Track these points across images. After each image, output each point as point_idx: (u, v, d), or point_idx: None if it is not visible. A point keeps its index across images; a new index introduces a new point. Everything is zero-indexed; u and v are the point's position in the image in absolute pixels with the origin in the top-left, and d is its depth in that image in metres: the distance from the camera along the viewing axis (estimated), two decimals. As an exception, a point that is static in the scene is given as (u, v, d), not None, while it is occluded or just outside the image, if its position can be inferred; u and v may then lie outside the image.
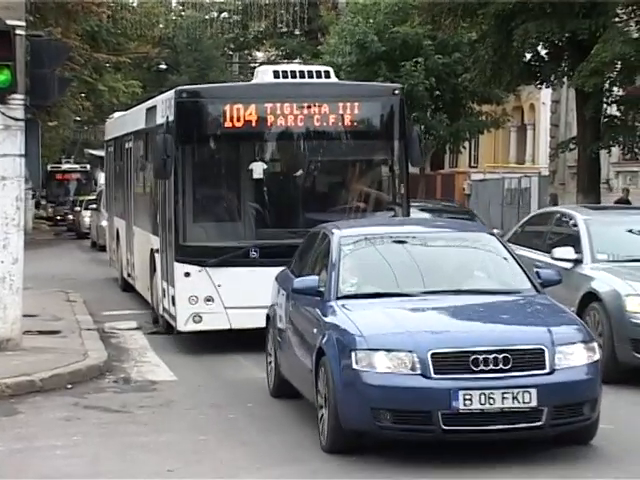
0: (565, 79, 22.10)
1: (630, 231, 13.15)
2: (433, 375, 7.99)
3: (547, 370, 8.11)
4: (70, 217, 46.27)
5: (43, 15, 32.67)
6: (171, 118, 13.48)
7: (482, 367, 8.00)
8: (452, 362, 8.04)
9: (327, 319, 8.84)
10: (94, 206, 34.31)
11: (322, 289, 9.20)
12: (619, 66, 18.74)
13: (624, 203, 22.60)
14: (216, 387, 11.43)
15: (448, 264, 9.69)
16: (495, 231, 11.54)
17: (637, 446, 8.84)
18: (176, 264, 13.33)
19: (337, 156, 14.22)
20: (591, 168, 21.03)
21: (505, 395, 7.95)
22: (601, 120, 20.55)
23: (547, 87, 24.25)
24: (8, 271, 12.45)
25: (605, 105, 20.58)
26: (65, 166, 57.41)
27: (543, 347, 8.16)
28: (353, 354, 8.16)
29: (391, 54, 27.18)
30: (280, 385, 10.45)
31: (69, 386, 11.36)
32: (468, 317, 8.89)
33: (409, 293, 9.09)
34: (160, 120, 14.31)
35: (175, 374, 12.20)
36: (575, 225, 13.15)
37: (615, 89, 20.26)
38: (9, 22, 12.09)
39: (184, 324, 13.28)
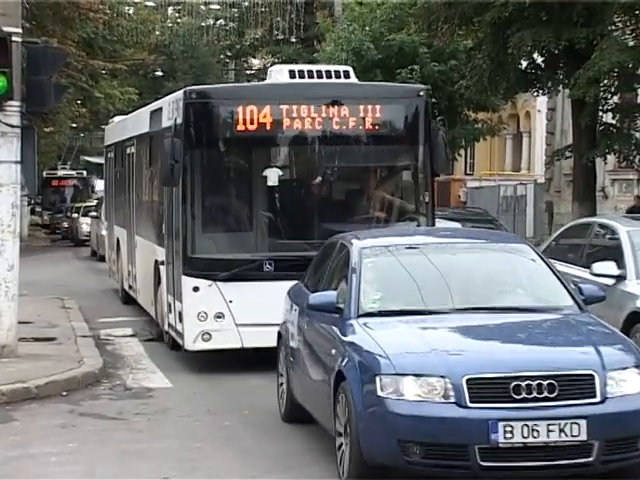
0: (561, 87, 22.14)
1: None
2: (469, 404, 7.17)
3: (598, 399, 7.25)
4: (65, 224, 46.03)
5: (40, 22, 32.69)
6: (179, 121, 12.63)
7: (525, 395, 7.17)
8: (490, 389, 7.21)
9: (347, 339, 8.03)
10: (94, 213, 33.05)
11: (341, 305, 8.38)
12: (616, 74, 18.76)
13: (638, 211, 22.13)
14: (212, 394, 11.42)
15: (481, 278, 8.78)
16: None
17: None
18: (184, 278, 12.46)
19: (357, 162, 13.36)
20: (587, 176, 21.04)
21: (551, 427, 7.11)
22: (597, 128, 20.57)
23: (543, 95, 24.29)
24: (4, 278, 12.44)
25: (601, 113, 20.61)
26: (61, 172, 56.52)
27: (593, 372, 7.31)
28: (378, 379, 7.35)
29: (387, 62, 27.18)
30: (292, 409, 9.62)
31: (64, 393, 11.34)
32: (506, 338, 8.02)
33: (438, 310, 8.23)
34: (166, 123, 13.60)
35: (170, 381, 12.19)
36: (616, 237, 12.14)
37: (611, 97, 20.28)
38: (5, 29, 12.08)
39: (192, 342, 12.40)
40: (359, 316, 8.21)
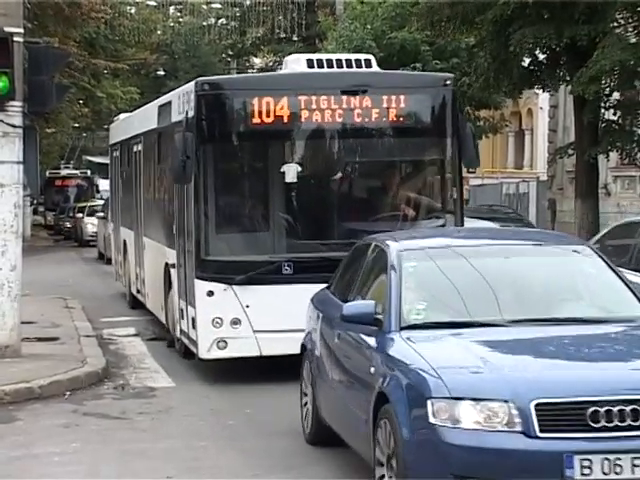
0: (563, 84, 22.11)
1: None
2: (539, 433, 6.15)
3: None
4: (67, 224, 45.87)
5: (41, 22, 32.71)
6: (191, 114, 11.85)
7: (604, 423, 6.16)
8: (564, 416, 6.19)
9: (389, 355, 7.07)
10: (101, 214, 31.24)
11: (380, 317, 7.40)
12: (618, 72, 18.74)
13: None
14: (215, 393, 11.42)
15: (538, 285, 7.80)
16: None
17: None
18: (197, 281, 11.68)
19: (380, 156, 12.47)
20: (589, 173, 21.01)
21: (636, 461, 6.11)
22: (599, 125, 20.55)
23: (545, 92, 24.25)
24: (6, 278, 12.44)
25: (603, 110, 20.58)
26: (64, 172, 55.80)
27: None
28: (429, 403, 6.32)
29: (389, 60, 27.13)
30: (319, 431, 8.75)
31: (68, 393, 11.35)
32: (576, 355, 6.92)
33: (492, 322, 7.25)
34: (177, 117, 12.81)
35: (174, 380, 12.19)
36: None
37: (612, 94, 20.26)
38: (7, 29, 12.08)
39: (207, 350, 11.64)
40: (401, 329, 7.23)
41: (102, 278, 24.68)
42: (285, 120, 11.71)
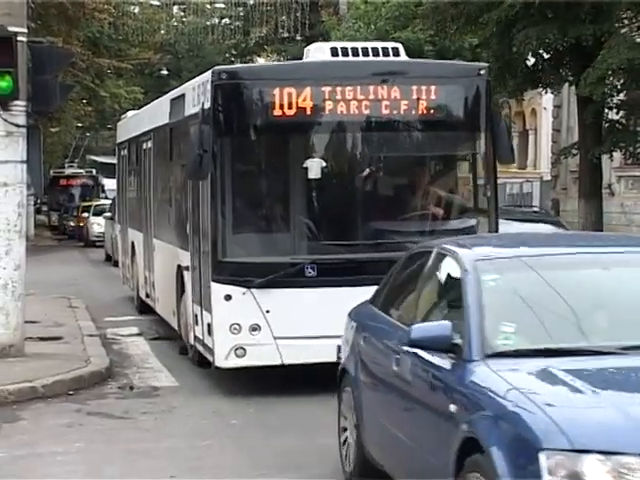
0: (567, 85, 22.10)
1: None
2: None
3: None
4: (71, 223, 45.80)
5: (45, 21, 32.74)
6: (207, 105, 11.08)
7: None
8: None
9: (476, 391, 5.65)
10: (108, 214, 29.95)
11: (459, 342, 6.00)
12: (625, 70, 18.71)
13: None
14: (218, 393, 11.42)
15: None
16: None
17: None
18: (214, 285, 10.94)
19: (409, 151, 11.80)
20: (593, 173, 20.99)
21: None
22: (602, 125, 20.53)
23: (549, 92, 24.24)
24: (10, 277, 12.45)
25: (606, 110, 20.57)
26: (69, 171, 55.22)
27: None
28: (542, 457, 4.88)
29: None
30: (364, 470, 7.53)
31: (71, 392, 11.35)
32: None
33: (600, 349, 5.79)
34: (191, 110, 12.10)
35: (177, 380, 12.19)
36: None
37: (617, 94, 20.25)
38: (11, 29, 12.10)
39: (224, 358, 10.91)
40: (487, 356, 5.82)
41: (111, 281, 23.64)
42: (308, 112, 10.97)
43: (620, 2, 18.42)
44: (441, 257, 6.98)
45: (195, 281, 12.03)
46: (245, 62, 55.44)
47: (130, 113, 20.84)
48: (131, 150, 18.46)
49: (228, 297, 10.81)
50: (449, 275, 6.77)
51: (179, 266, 13.05)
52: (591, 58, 18.64)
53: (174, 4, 50.73)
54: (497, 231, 11.38)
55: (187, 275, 12.49)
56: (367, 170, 11.50)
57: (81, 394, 11.34)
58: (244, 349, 10.85)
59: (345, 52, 11.50)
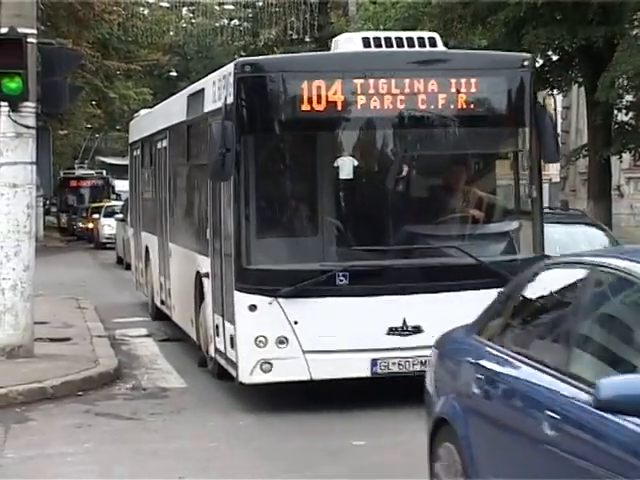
0: (576, 86, 22.08)
1: None
2: None
3: None
4: (80, 224, 45.79)
5: (54, 23, 32.82)
6: (230, 100, 10.28)
7: None
8: None
9: None
10: (120, 216, 28.86)
11: None
12: (638, 76, 18.67)
13: None
14: (226, 394, 11.42)
15: None
16: None
17: None
18: (237, 294, 10.12)
19: (448, 149, 11.00)
20: (602, 174, 20.97)
21: None
22: (612, 126, 20.51)
23: (558, 94, 24.21)
24: (19, 278, 12.47)
25: (615, 111, 20.54)
26: (79, 172, 54.93)
27: None
28: None
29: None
30: None
31: (80, 393, 11.37)
32: None
33: None
34: (211, 106, 11.32)
35: (186, 381, 12.20)
36: None
37: (627, 96, 20.22)
38: (20, 30, 12.12)
39: (249, 373, 10.13)
40: None
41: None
42: (339, 106, 10.18)
43: (630, 3, 18.37)
44: (605, 277, 5.25)
45: (216, 289, 11.19)
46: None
47: (143, 111, 20.14)
48: (145, 150, 17.71)
49: (253, 307, 10.02)
50: (631, 304, 5.06)
51: (198, 273, 12.23)
52: (602, 60, 18.62)
53: (183, 5, 50.80)
54: (543, 236, 10.66)
55: (207, 282, 11.69)
56: (402, 169, 10.83)
57: (90, 395, 11.35)
58: (270, 364, 10.06)
59: (378, 42, 10.63)
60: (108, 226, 35.91)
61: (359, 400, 10.32)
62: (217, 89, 11.05)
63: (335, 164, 10.37)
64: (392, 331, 10.03)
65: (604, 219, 20.58)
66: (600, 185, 20.99)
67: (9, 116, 12.31)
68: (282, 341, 9.99)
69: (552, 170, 34.89)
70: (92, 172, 55.53)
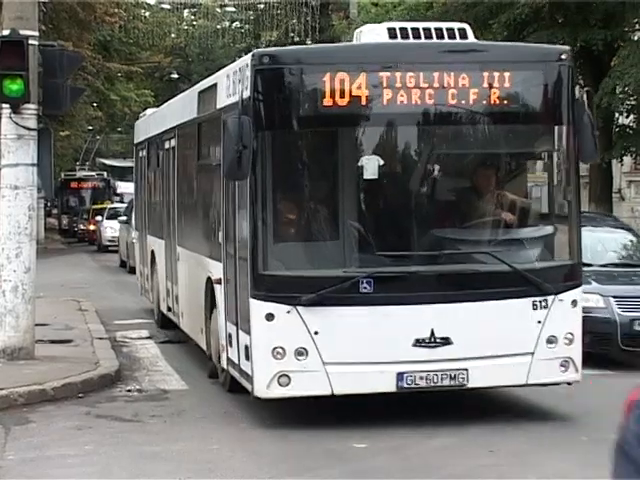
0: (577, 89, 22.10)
1: None
2: None
3: None
4: (81, 226, 45.80)
5: (56, 25, 32.86)
6: (246, 94, 9.58)
7: None
8: None
9: None
10: (123, 218, 28.27)
11: None
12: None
13: None
14: (227, 396, 11.41)
15: None
16: None
17: None
18: (253, 301, 9.43)
19: (480, 148, 10.39)
20: (603, 178, 21.00)
21: None
22: (613, 129, 20.52)
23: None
24: (21, 280, 12.48)
25: (617, 114, 20.56)
26: (80, 174, 54.76)
27: None
28: None
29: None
30: None
31: (81, 395, 11.37)
32: None
33: None
34: (225, 101, 10.70)
35: (186, 383, 12.20)
36: None
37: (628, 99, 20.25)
38: (22, 32, 12.13)
39: (265, 387, 9.43)
40: None
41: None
42: (363, 101, 9.45)
43: (632, 5, 18.40)
44: None
45: (229, 296, 10.52)
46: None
47: (149, 111, 19.57)
48: (151, 150, 16.99)
49: (270, 316, 9.33)
50: None
51: (209, 278, 11.60)
52: (602, 63, 18.64)
53: (185, 8, 50.85)
54: (580, 240, 10.10)
55: (219, 289, 11.01)
56: (430, 169, 10.16)
57: (91, 397, 11.35)
58: (289, 377, 9.36)
59: (405, 34, 9.88)
60: (111, 228, 35.40)
61: (360, 402, 10.30)
62: (232, 83, 10.40)
63: (359, 163, 9.72)
64: (419, 342, 9.36)
65: (605, 222, 20.60)
66: (601, 188, 21.03)
67: (10, 118, 12.32)
68: (301, 352, 9.33)
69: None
70: (93, 174, 55.43)
